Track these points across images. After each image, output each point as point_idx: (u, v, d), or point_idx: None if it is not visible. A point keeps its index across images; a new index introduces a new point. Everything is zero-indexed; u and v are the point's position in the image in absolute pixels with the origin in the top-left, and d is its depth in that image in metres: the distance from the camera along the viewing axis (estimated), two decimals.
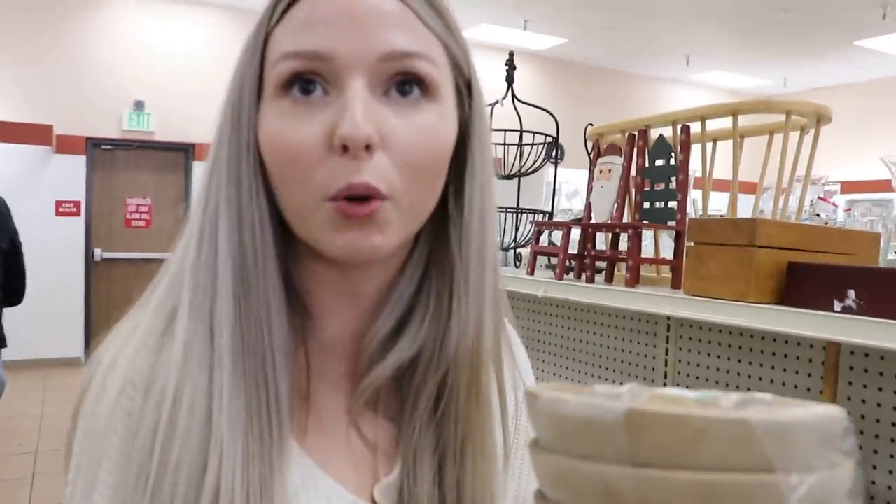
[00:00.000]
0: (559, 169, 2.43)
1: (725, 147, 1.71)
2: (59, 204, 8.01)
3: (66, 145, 7.97)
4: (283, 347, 0.59)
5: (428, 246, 0.65)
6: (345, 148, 0.54)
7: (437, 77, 0.59)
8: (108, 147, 8.21)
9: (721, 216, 2.00)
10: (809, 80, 11.32)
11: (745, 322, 1.20)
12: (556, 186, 2.62)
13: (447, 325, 0.62)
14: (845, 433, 0.38)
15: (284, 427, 0.58)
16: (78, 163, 8.06)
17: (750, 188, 1.82)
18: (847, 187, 8.05)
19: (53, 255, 7.90)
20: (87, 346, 7.81)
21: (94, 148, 8.14)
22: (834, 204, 1.70)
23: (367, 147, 0.54)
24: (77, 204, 8.07)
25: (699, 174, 1.70)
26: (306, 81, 0.56)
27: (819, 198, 1.72)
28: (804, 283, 1.22)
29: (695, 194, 2.56)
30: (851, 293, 1.13)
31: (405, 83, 0.57)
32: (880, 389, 1.40)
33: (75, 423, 0.60)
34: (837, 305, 1.15)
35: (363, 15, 0.56)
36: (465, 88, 0.63)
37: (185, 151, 8.42)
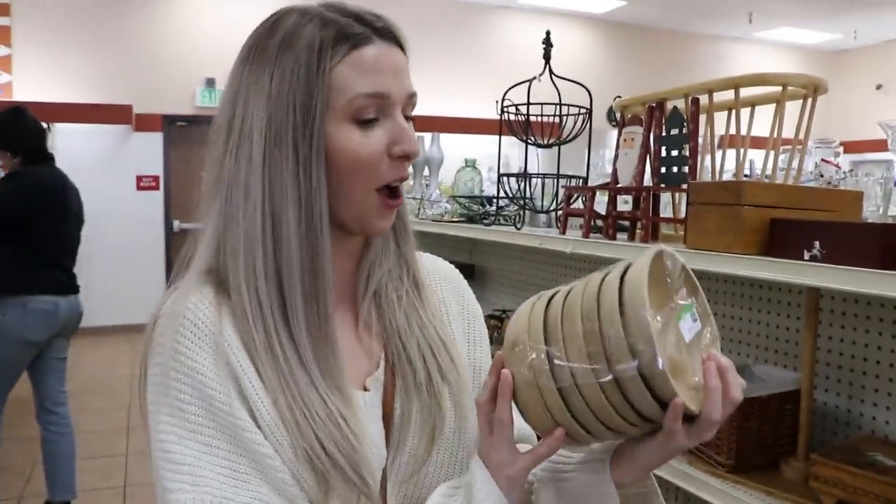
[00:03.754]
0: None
1: (759, 112, 1.86)
2: (139, 179, 8.49)
3: (144, 123, 8.43)
4: (329, 287, 0.88)
5: None
6: (405, 157, 0.87)
7: None
8: (183, 123, 8.63)
9: (746, 176, 2.17)
10: (881, 31, 10.98)
11: (730, 270, 1.40)
12: (603, 153, 2.82)
13: (405, 260, 1.00)
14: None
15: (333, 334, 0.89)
16: (155, 139, 8.53)
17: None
18: (849, 147, 7.99)
19: (137, 227, 8.40)
20: None
21: (170, 125, 8.58)
22: (837, 165, 1.84)
23: None
24: (156, 178, 8.54)
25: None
26: (370, 114, 0.86)
27: (823, 160, 1.87)
28: (782, 237, 1.41)
29: (732, 153, 2.72)
30: (816, 244, 1.32)
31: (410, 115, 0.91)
32: (855, 330, 1.59)
33: (146, 363, 0.87)
34: (806, 255, 1.34)
35: (398, 66, 0.88)
36: None
37: None
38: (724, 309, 1.94)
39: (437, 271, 1.12)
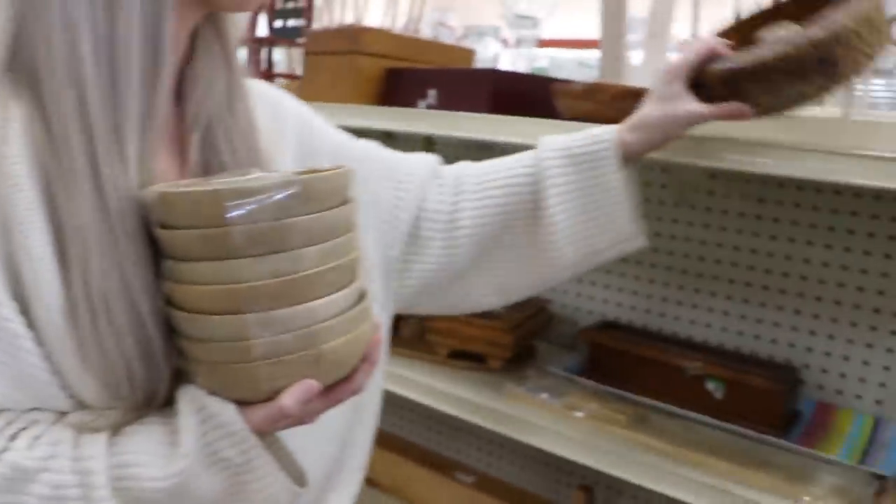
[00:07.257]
0: None
1: None
2: None
3: None
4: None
5: None
6: None
7: None
8: None
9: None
10: None
11: (347, 120, 1.31)
12: None
13: (238, 86, 0.75)
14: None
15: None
16: None
17: None
18: None
19: None
20: None
21: None
22: (451, 28, 1.86)
23: None
24: None
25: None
26: None
27: (440, 23, 1.87)
28: (397, 87, 1.36)
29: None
30: (432, 92, 1.29)
31: None
32: None
33: None
34: (422, 104, 1.30)
35: None
36: None
37: None
38: None
39: (277, 102, 0.86)
